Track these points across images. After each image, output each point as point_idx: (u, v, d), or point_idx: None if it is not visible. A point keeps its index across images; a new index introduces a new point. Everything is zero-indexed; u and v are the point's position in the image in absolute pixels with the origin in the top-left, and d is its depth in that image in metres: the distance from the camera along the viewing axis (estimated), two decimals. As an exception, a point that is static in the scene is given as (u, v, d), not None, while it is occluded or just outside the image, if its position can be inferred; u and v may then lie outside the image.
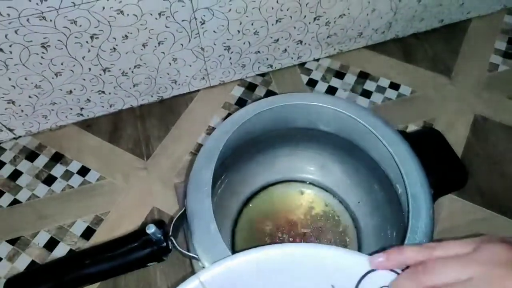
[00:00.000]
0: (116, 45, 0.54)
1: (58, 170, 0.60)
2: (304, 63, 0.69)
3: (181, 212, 0.33)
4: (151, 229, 0.30)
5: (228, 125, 0.37)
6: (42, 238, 0.54)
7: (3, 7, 0.45)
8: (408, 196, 0.32)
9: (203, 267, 0.31)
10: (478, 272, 0.26)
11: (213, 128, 0.64)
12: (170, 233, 0.32)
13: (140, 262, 0.31)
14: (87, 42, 0.52)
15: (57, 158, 0.61)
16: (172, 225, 0.32)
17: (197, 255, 0.30)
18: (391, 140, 0.35)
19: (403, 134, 0.36)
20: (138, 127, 0.64)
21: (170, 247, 0.31)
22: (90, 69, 0.57)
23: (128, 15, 0.51)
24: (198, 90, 0.68)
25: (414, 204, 0.32)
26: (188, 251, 0.32)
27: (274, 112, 0.39)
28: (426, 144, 0.38)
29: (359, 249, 0.45)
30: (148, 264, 0.32)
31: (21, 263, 0.53)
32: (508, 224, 0.53)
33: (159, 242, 0.31)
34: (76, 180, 0.59)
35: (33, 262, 0.53)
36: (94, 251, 0.31)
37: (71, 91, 0.59)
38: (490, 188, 0.56)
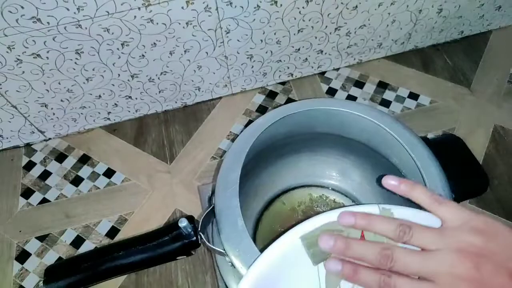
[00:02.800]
0: (145, 52, 0.57)
1: (85, 172, 0.63)
2: (324, 72, 0.71)
3: (209, 209, 0.34)
4: (183, 222, 0.32)
5: (254, 128, 0.39)
6: (69, 236, 0.57)
7: (44, 15, 0.48)
8: (429, 199, 0.33)
9: (230, 262, 0.32)
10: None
11: (234, 134, 0.65)
12: (199, 229, 0.33)
13: (170, 255, 0.32)
14: (118, 49, 0.55)
15: (84, 160, 0.64)
16: (200, 221, 0.34)
17: (224, 250, 0.31)
18: (413, 145, 0.36)
19: (425, 140, 0.37)
20: (162, 132, 0.66)
21: (199, 242, 0.33)
22: (119, 75, 0.59)
23: (157, 23, 0.53)
24: (220, 97, 0.70)
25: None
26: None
27: (298, 117, 0.41)
28: (447, 150, 0.39)
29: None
30: (178, 258, 0.33)
31: (49, 259, 0.55)
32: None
33: (189, 236, 0.32)
34: (102, 181, 0.62)
35: (60, 258, 0.55)
36: (127, 244, 0.33)
37: (100, 96, 0.62)
38: (510, 198, 0.56)
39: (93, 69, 0.57)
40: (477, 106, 0.65)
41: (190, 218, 0.33)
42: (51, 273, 0.32)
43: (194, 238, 0.32)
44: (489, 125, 0.63)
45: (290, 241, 0.29)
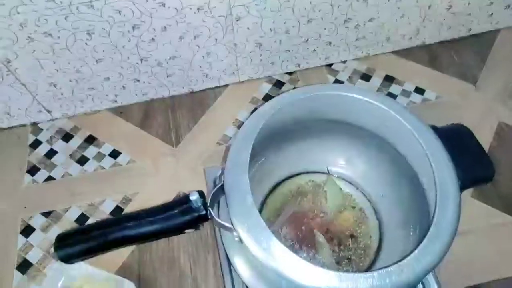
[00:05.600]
0: (155, 36, 0.57)
1: (91, 152, 0.63)
2: (331, 64, 0.71)
3: (218, 186, 0.35)
4: (194, 195, 0.32)
5: (265, 109, 0.39)
6: (74, 213, 0.57)
7: (58, -6, 0.48)
8: (436, 185, 0.34)
9: (237, 238, 0.33)
10: None
11: (240, 121, 0.66)
12: (208, 204, 0.34)
13: (179, 228, 0.33)
14: (128, 31, 0.56)
15: (90, 140, 0.64)
16: (210, 197, 0.34)
17: (232, 225, 0.32)
18: (421, 131, 0.37)
19: (433, 128, 0.38)
20: (168, 116, 0.67)
21: (209, 216, 0.34)
22: (128, 57, 0.60)
23: (169, 7, 0.54)
24: (227, 85, 0.70)
25: (441, 193, 0.33)
26: (220, 223, 0.34)
27: (308, 102, 0.41)
28: (455, 138, 0.39)
29: (381, 241, 0.47)
30: (185, 231, 0.34)
31: (54, 234, 0.55)
32: (528, 231, 0.53)
33: (199, 210, 0.33)
34: (107, 161, 0.62)
35: (64, 235, 0.56)
36: (138, 215, 0.33)
37: (108, 78, 0.62)
38: (511, 194, 0.57)
39: (103, 51, 0.58)
40: (482, 103, 0.66)
41: (200, 193, 0.33)
42: (62, 240, 0.33)
43: (204, 212, 0.33)
44: (493, 122, 0.63)
45: None
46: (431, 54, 0.72)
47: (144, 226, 0.33)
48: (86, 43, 0.56)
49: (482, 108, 0.65)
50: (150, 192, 0.59)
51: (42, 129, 0.66)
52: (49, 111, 0.66)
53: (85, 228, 0.33)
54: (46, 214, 0.57)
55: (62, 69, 0.59)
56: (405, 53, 0.72)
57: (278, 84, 0.70)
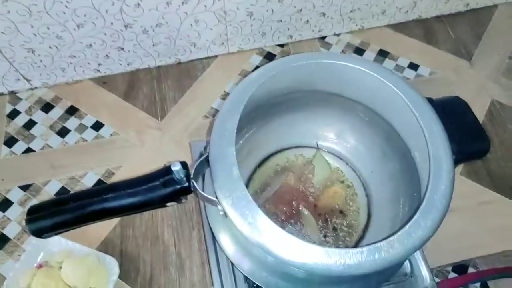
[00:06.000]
0: (141, 0, 0.54)
1: (72, 123, 0.61)
2: (324, 37, 0.69)
3: (203, 157, 0.33)
4: (176, 166, 0.30)
5: (253, 78, 0.37)
6: (54, 186, 0.55)
7: None
8: (430, 159, 0.33)
9: (222, 211, 0.31)
10: None
11: (229, 94, 0.64)
12: (192, 176, 0.32)
13: (161, 201, 0.31)
14: (111, -6, 0.52)
15: (72, 111, 0.62)
16: (193, 169, 0.32)
17: (217, 198, 0.31)
18: (417, 103, 0.35)
19: (428, 100, 0.36)
20: (154, 87, 0.64)
21: (192, 189, 0.32)
22: (112, 23, 0.56)
23: (155, -31, 0.50)
24: (216, 56, 0.67)
25: (435, 167, 0.32)
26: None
27: (298, 71, 0.39)
28: (451, 111, 0.38)
29: (369, 217, 0.46)
30: (168, 204, 0.32)
31: (33, 208, 0.53)
32: (516, 209, 0.53)
33: (182, 182, 0.31)
34: (89, 134, 0.60)
35: (44, 208, 0.54)
36: (117, 187, 0.32)
37: (91, 45, 0.59)
38: (501, 172, 0.56)
39: (85, 15, 0.54)
40: (476, 80, 0.64)
41: (183, 164, 0.32)
42: (34, 212, 0.31)
43: (187, 184, 0.31)
44: (486, 100, 0.62)
45: None
46: (427, 29, 0.70)
47: (124, 198, 0.31)
48: (66, 6, 0.52)
49: (475, 85, 0.64)
50: (134, 166, 0.57)
51: (21, 99, 0.63)
52: (28, 80, 0.62)
53: (61, 199, 0.31)
54: (25, 188, 0.55)
55: (40, 34, 0.55)
56: (401, 27, 0.70)
57: (269, 56, 0.67)
